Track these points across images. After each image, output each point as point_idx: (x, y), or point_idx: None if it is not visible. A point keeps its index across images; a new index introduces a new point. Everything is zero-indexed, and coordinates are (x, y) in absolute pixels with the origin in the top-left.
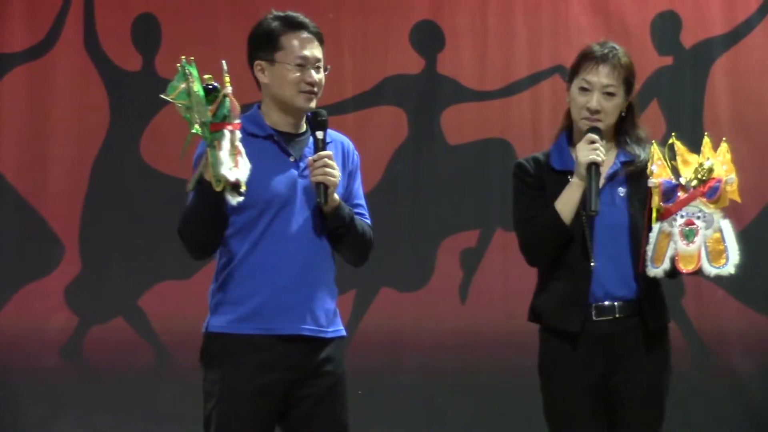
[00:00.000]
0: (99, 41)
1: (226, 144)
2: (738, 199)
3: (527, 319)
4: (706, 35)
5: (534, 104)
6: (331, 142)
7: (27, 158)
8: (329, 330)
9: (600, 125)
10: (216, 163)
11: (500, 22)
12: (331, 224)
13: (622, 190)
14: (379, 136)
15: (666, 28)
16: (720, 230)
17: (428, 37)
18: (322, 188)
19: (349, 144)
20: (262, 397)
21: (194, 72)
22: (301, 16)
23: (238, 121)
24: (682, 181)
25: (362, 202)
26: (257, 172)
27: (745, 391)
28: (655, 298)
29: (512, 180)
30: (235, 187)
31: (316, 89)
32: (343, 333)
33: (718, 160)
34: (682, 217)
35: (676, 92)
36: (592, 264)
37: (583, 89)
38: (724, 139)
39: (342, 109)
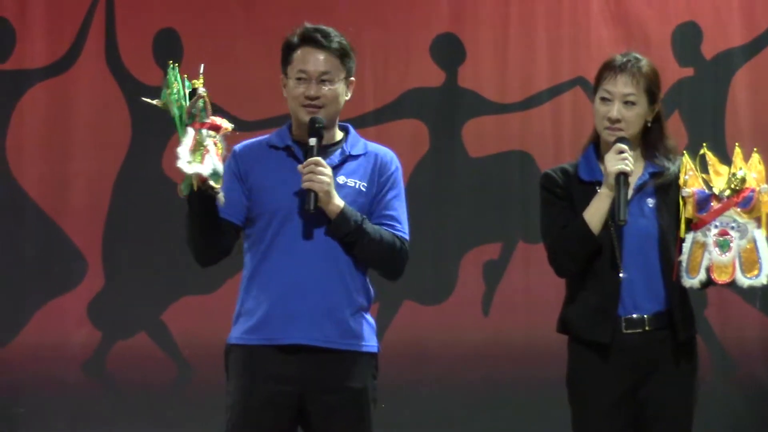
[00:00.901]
0: (120, 56)
1: (188, 140)
2: (766, 209)
3: (556, 330)
4: (727, 46)
5: (555, 116)
6: (364, 154)
7: (49, 174)
8: (342, 342)
9: (622, 134)
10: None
11: (521, 35)
12: (333, 232)
13: (651, 201)
14: (401, 149)
15: (687, 39)
16: (754, 240)
17: (449, 50)
18: (311, 195)
19: (387, 156)
20: (271, 408)
21: (176, 76)
22: (318, 29)
23: (208, 120)
24: (716, 191)
25: (395, 213)
26: (269, 183)
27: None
28: (684, 310)
29: (540, 191)
30: (207, 185)
31: (317, 103)
32: (370, 348)
33: (749, 170)
34: (716, 227)
35: (698, 103)
36: (621, 275)
37: (604, 99)
38: (755, 149)
39: (363, 123)
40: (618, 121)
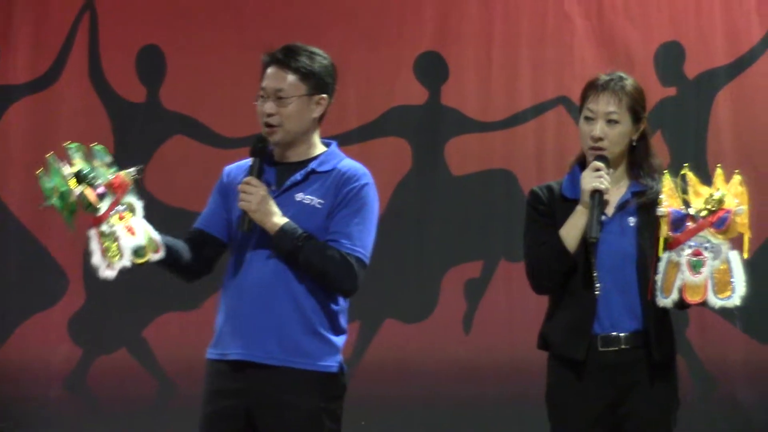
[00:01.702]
0: (103, 73)
1: (95, 247)
2: (747, 232)
3: (537, 347)
4: (710, 65)
5: (538, 135)
6: (332, 170)
7: (31, 190)
8: (286, 360)
9: (605, 153)
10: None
11: (504, 53)
12: (276, 250)
13: (632, 220)
14: (383, 168)
15: (669, 58)
16: (728, 261)
17: (432, 69)
18: (244, 215)
19: (351, 172)
20: (222, 421)
21: (54, 162)
22: (284, 48)
23: (100, 212)
24: (692, 211)
25: (346, 230)
26: (236, 204)
27: (749, 422)
28: (662, 330)
29: (525, 207)
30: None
31: (271, 120)
32: (322, 368)
33: (730, 192)
34: (690, 247)
35: (680, 123)
36: (597, 293)
37: (587, 118)
38: (737, 171)
39: (346, 140)
40: (600, 139)
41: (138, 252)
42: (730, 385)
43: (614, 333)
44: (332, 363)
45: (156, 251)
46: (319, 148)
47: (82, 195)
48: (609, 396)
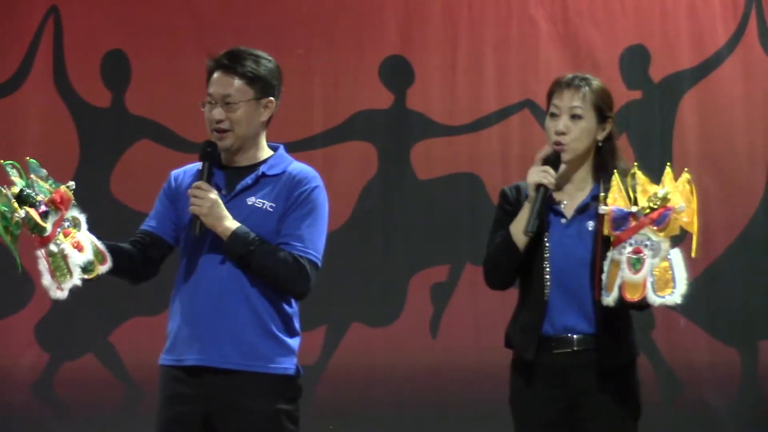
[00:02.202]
0: (68, 78)
1: (44, 267)
2: (693, 230)
3: (504, 345)
4: (675, 69)
5: (503, 138)
6: (282, 173)
7: None
8: (243, 363)
9: (566, 149)
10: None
11: (469, 57)
12: (228, 254)
13: (590, 224)
14: (349, 172)
15: (634, 62)
16: (669, 259)
17: (397, 72)
18: (196, 219)
19: (301, 175)
20: (179, 427)
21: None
22: (228, 53)
23: (46, 233)
24: (634, 209)
25: (298, 232)
26: (186, 209)
27: (716, 424)
28: (616, 334)
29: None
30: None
31: (222, 126)
32: (279, 370)
33: (677, 190)
34: (630, 245)
35: (645, 126)
36: (546, 295)
37: (552, 115)
38: (686, 169)
39: (311, 145)
40: (563, 133)
41: (87, 268)
42: (696, 387)
43: (567, 335)
44: (289, 365)
45: (103, 262)
46: (267, 152)
47: (27, 216)
48: (563, 399)
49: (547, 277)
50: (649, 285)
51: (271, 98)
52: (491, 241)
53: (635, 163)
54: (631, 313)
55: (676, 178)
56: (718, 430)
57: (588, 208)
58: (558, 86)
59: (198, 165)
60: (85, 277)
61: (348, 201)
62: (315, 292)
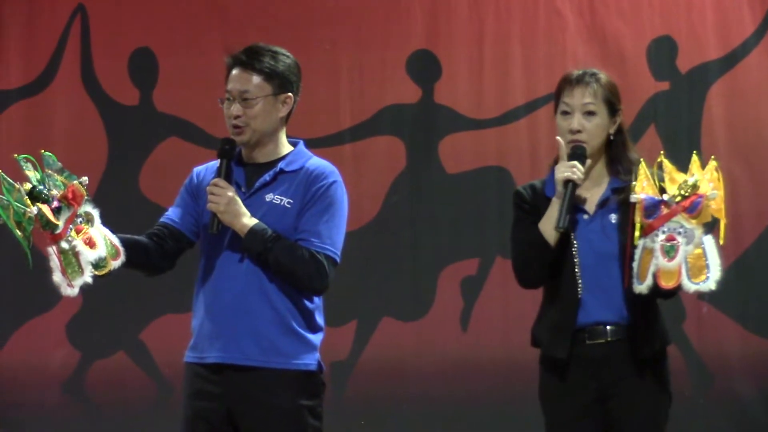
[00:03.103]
0: (96, 76)
1: (55, 264)
2: (722, 217)
3: (530, 344)
4: (702, 60)
5: (531, 131)
6: (300, 169)
7: None
8: (263, 360)
9: (584, 146)
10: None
11: (496, 50)
12: (246, 251)
13: (613, 217)
14: (378, 167)
15: (662, 53)
16: (702, 246)
17: (425, 67)
18: (213, 216)
19: (319, 170)
20: (203, 425)
21: (9, 186)
22: (247, 49)
23: (58, 229)
24: (665, 197)
25: (315, 228)
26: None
27: (746, 416)
28: (649, 324)
29: (513, 208)
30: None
31: (239, 122)
32: (301, 366)
33: (705, 178)
34: (663, 233)
35: (673, 117)
36: (579, 293)
37: (564, 113)
38: (713, 157)
39: (339, 140)
40: (579, 131)
41: (99, 264)
42: (727, 378)
43: (600, 326)
44: (310, 361)
45: (116, 257)
46: (287, 148)
47: (39, 213)
48: (595, 390)
49: (578, 273)
50: (683, 272)
51: (289, 94)
52: (517, 241)
53: (661, 152)
54: (660, 302)
55: (702, 165)
56: (748, 421)
57: (609, 202)
58: (567, 84)
59: (219, 162)
60: (97, 273)
61: (377, 196)
62: (345, 287)
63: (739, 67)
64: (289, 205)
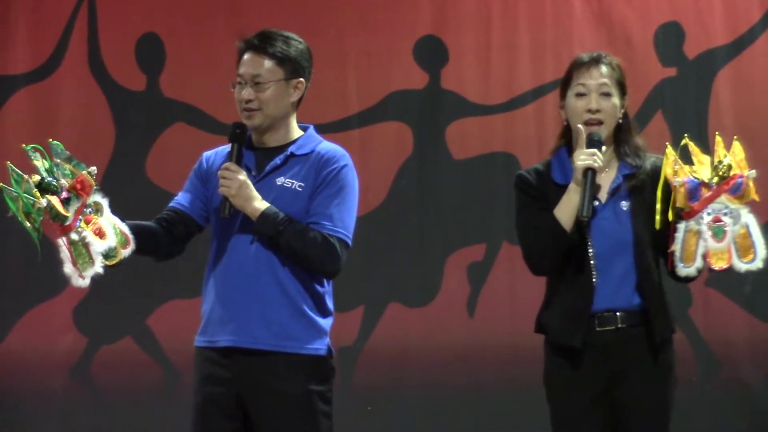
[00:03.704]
0: (103, 62)
1: (65, 255)
2: (757, 197)
3: (534, 330)
4: (710, 45)
5: (538, 117)
6: (311, 152)
7: None
8: (274, 344)
9: (601, 128)
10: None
11: (503, 36)
12: (258, 234)
13: (625, 204)
14: (385, 152)
15: (669, 39)
16: (746, 225)
17: (432, 52)
18: (225, 200)
19: (329, 154)
20: (213, 408)
21: (18, 178)
22: (260, 34)
23: (68, 221)
24: (705, 179)
25: (327, 211)
26: (216, 190)
27: (753, 402)
28: (660, 309)
29: (515, 192)
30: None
31: (251, 106)
32: (311, 351)
33: (734, 158)
34: (708, 214)
35: (681, 103)
36: (594, 280)
37: (579, 94)
38: (735, 137)
39: (346, 126)
40: (598, 111)
41: (109, 254)
42: (734, 365)
43: (611, 313)
44: (320, 346)
45: (126, 245)
46: (297, 132)
47: (49, 205)
48: (604, 377)
49: (592, 262)
50: (734, 252)
51: (301, 79)
52: (527, 227)
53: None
54: (665, 289)
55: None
56: (755, 408)
57: (620, 189)
58: (583, 65)
59: (229, 146)
60: (107, 263)
61: (384, 181)
62: (352, 272)
63: (746, 54)
64: (300, 189)
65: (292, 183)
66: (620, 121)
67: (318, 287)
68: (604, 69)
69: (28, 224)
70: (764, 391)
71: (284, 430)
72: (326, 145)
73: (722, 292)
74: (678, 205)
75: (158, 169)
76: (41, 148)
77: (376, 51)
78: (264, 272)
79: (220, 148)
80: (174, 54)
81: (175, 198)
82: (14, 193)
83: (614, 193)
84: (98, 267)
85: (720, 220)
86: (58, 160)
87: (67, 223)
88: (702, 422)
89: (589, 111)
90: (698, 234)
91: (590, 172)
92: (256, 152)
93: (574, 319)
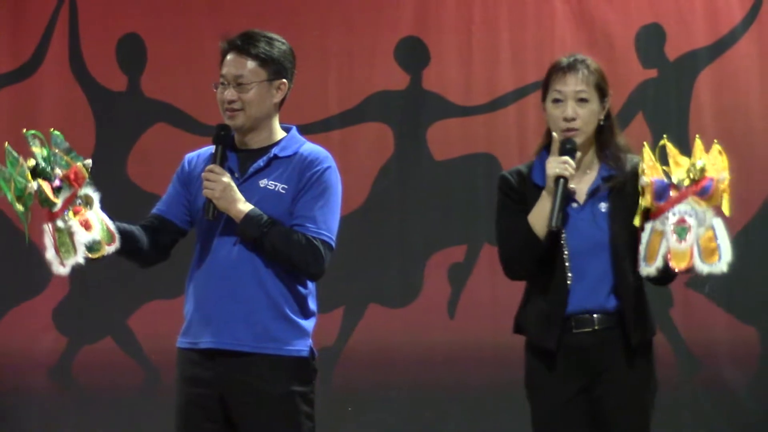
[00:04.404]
0: (84, 62)
1: (49, 241)
2: (727, 210)
3: (513, 331)
4: (691, 47)
5: (519, 118)
6: (294, 154)
7: None
8: (256, 346)
9: (578, 134)
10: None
11: (485, 37)
12: (241, 236)
13: (603, 206)
14: (366, 153)
15: (650, 40)
16: (712, 228)
17: (413, 53)
18: (209, 202)
19: (313, 156)
20: (196, 410)
21: (14, 159)
22: (242, 34)
23: (56, 207)
24: (674, 180)
25: (310, 213)
26: (199, 192)
27: (734, 402)
28: (638, 311)
29: (497, 193)
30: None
31: (234, 106)
32: (293, 352)
33: (710, 161)
34: (674, 215)
35: (661, 105)
36: (569, 282)
37: (556, 101)
38: (715, 141)
39: (327, 126)
40: (573, 119)
41: (92, 247)
42: (714, 365)
43: (587, 315)
44: (303, 347)
45: (111, 243)
46: (280, 134)
47: (39, 189)
48: (582, 379)
49: (567, 264)
50: (696, 254)
51: (284, 80)
52: (505, 231)
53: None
54: (646, 290)
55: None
56: (736, 408)
57: (599, 191)
58: (559, 71)
59: (212, 148)
60: (90, 256)
61: (365, 182)
62: (332, 273)
63: (728, 55)
64: (283, 191)
65: (276, 185)
66: (602, 123)
67: (301, 288)
68: (581, 74)
69: (20, 207)
70: (744, 391)
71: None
72: (309, 147)
73: (703, 292)
74: (644, 204)
75: (139, 169)
76: (41, 136)
77: (357, 52)
78: (247, 274)
79: (203, 149)
80: (155, 54)
81: (157, 204)
82: (7, 174)
83: (593, 194)
84: (80, 257)
85: (684, 222)
86: (57, 150)
87: (55, 209)
88: (682, 422)
89: (565, 119)
90: (662, 234)
91: (561, 180)
92: (238, 154)
93: (549, 320)
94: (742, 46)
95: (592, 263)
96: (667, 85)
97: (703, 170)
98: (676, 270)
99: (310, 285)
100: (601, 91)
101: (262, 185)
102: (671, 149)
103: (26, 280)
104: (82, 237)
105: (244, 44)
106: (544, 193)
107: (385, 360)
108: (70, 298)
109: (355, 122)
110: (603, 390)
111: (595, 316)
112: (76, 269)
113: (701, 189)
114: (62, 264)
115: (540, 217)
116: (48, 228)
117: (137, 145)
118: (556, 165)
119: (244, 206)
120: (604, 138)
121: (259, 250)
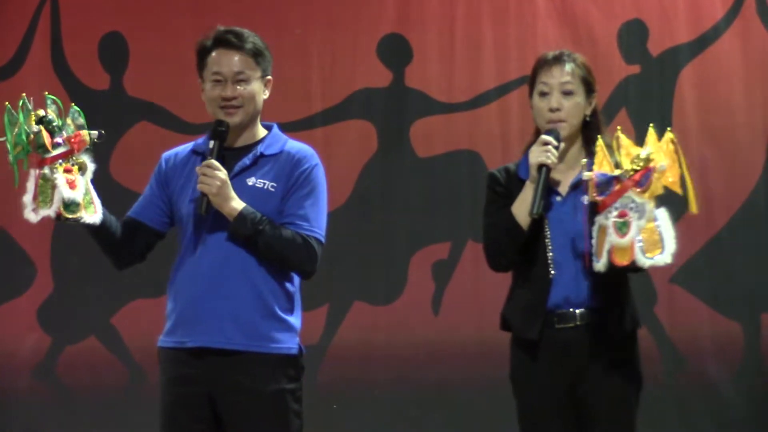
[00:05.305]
0: (66, 61)
1: (30, 187)
2: (678, 189)
3: (499, 328)
4: (673, 43)
5: (502, 115)
6: (280, 152)
7: None
8: (246, 344)
9: (563, 126)
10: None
11: (467, 34)
12: (233, 234)
13: (585, 199)
14: (349, 150)
15: (633, 36)
16: (655, 220)
17: (396, 51)
18: (203, 198)
19: (300, 154)
20: (183, 409)
21: (26, 108)
22: (230, 30)
23: (48, 155)
24: (617, 172)
25: (302, 212)
26: (184, 188)
27: (718, 398)
28: (620, 306)
29: (485, 189)
30: (65, 218)
31: (234, 103)
32: (283, 350)
33: (660, 150)
34: (616, 209)
35: (644, 100)
36: (551, 273)
37: (542, 93)
38: (668, 129)
39: (311, 124)
40: (558, 110)
41: (69, 206)
42: (699, 361)
43: (570, 309)
44: (292, 345)
45: (91, 213)
46: (262, 131)
47: (38, 134)
48: (566, 375)
49: (550, 255)
50: (637, 248)
51: (270, 77)
52: (489, 224)
53: (618, 127)
54: (630, 285)
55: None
56: (720, 404)
57: (581, 184)
58: (546, 63)
59: (190, 146)
60: (64, 214)
61: (348, 180)
62: (317, 271)
63: (710, 51)
64: (273, 189)
65: (264, 183)
66: (588, 119)
67: (289, 286)
68: (567, 67)
69: (15, 152)
70: (729, 387)
71: (256, 430)
72: (294, 145)
73: (686, 288)
74: (589, 199)
75: (122, 168)
76: (60, 105)
77: (340, 49)
78: (235, 272)
79: (180, 147)
80: (137, 53)
81: (134, 207)
82: (15, 119)
83: (575, 187)
84: (53, 211)
85: (626, 215)
86: (70, 121)
87: (47, 156)
88: (667, 418)
89: (551, 110)
90: (606, 229)
91: (544, 169)
92: (223, 152)
93: (531, 312)
94: (725, 42)
95: (573, 256)
96: (650, 80)
97: (648, 159)
98: (619, 265)
99: (297, 282)
100: (588, 85)
101: (250, 183)
102: (624, 140)
103: (10, 280)
104: (63, 192)
105: (238, 41)
106: (527, 182)
107: (370, 357)
108: (54, 297)
109: (338, 120)
110: (586, 386)
111: (577, 311)
112: (61, 268)
113: (641, 179)
114: (35, 211)
115: (523, 206)
116: (34, 173)
117: (120, 143)
118: (539, 153)
119: (238, 204)
120: (590, 133)
121: (251, 248)
